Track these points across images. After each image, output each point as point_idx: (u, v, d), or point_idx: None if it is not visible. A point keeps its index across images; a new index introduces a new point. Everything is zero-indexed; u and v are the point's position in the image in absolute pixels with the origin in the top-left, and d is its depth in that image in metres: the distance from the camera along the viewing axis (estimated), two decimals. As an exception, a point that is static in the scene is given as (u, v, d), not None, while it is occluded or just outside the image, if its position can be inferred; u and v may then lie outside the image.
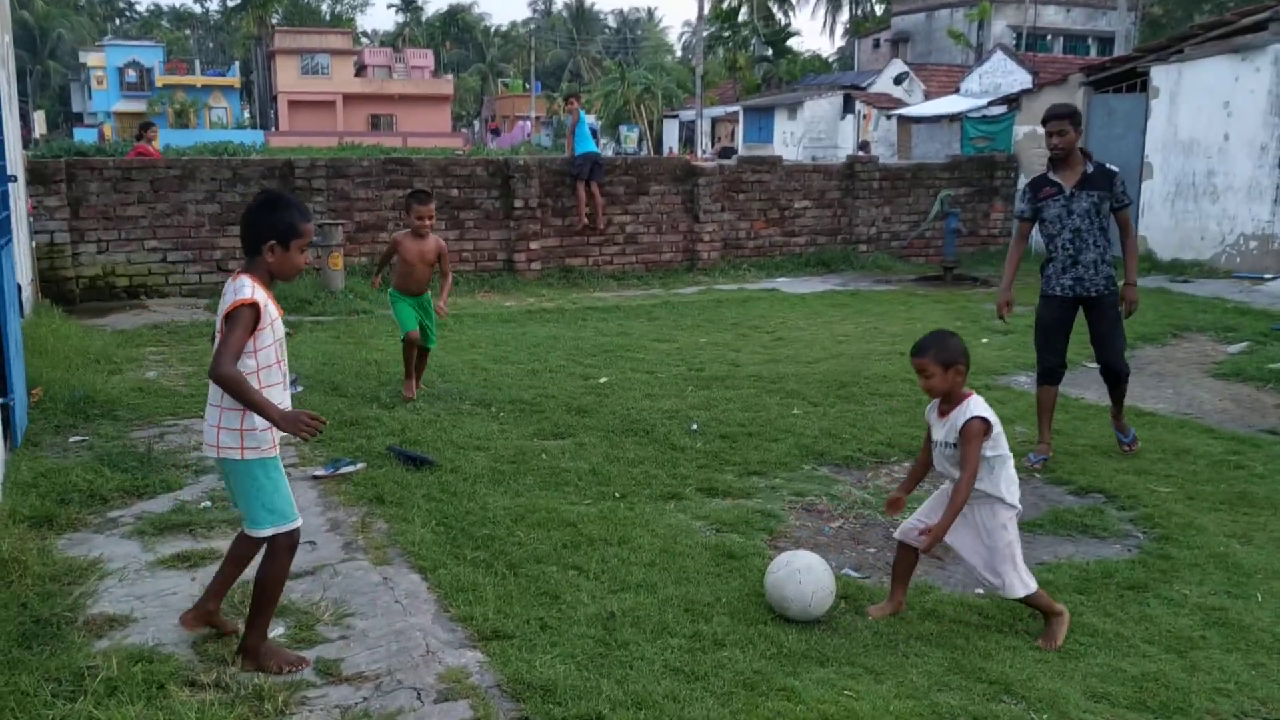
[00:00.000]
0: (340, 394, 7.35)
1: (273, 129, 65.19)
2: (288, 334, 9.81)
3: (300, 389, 7.44)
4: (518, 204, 13.47)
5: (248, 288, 3.47)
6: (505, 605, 4.05)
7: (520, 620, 3.93)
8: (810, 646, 3.81)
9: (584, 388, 7.73)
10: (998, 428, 4.02)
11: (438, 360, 8.59)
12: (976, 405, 4.01)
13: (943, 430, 4.08)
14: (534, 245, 13.63)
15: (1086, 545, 4.99)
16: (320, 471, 5.67)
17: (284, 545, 3.64)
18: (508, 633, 3.84)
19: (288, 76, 66.31)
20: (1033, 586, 3.99)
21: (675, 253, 14.65)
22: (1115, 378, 6.52)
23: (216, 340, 3.47)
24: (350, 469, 5.69)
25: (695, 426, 6.70)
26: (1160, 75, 14.57)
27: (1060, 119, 6.32)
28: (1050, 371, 6.52)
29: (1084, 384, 8.21)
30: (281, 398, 3.57)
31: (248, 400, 3.39)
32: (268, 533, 3.61)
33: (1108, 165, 6.43)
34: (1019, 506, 4.07)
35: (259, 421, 3.48)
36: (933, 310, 11.57)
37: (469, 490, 5.39)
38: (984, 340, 9.76)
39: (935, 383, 4.06)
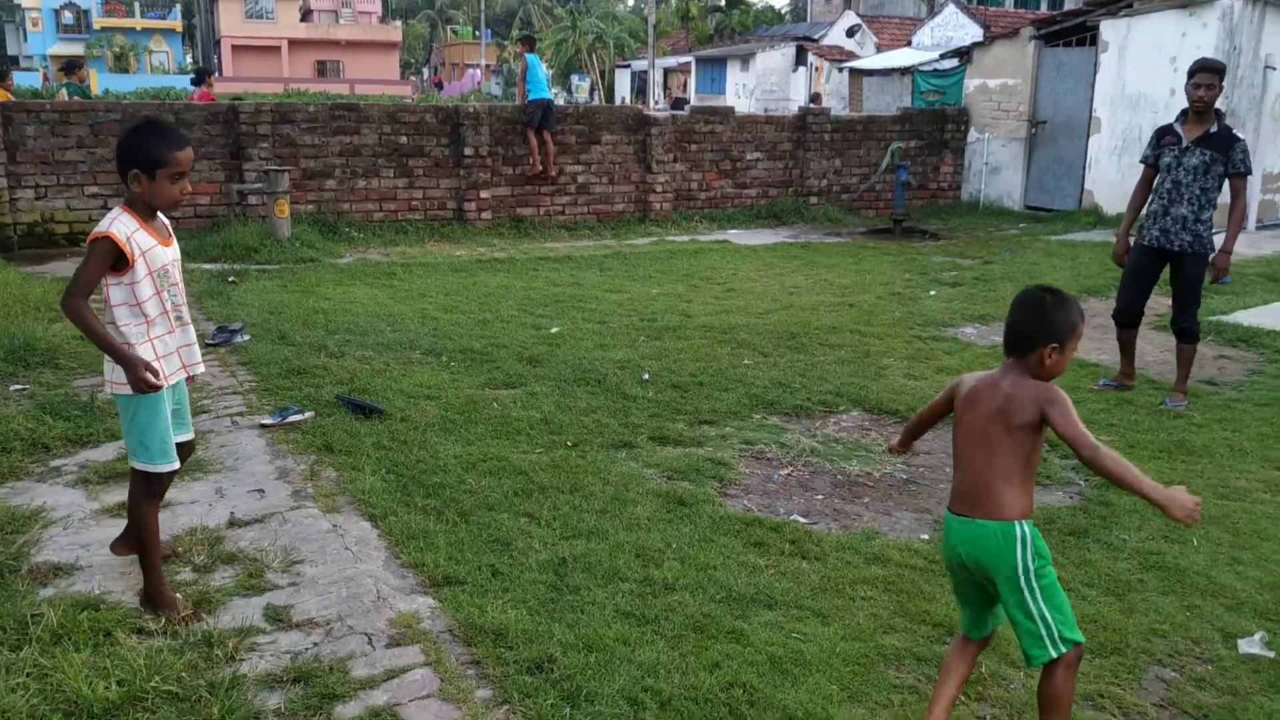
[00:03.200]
0: (287, 342, 7.26)
1: (216, 74, 63.64)
2: (233, 282, 9.65)
3: (247, 338, 7.35)
4: (468, 152, 13.31)
5: (109, 221, 3.46)
6: (456, 552, 4.06)
7: (472, 566, 3.94)
8: (759, 590, 3.86)
9: (536, 337, 7.71)
10: None
11: (387, 309, 8.52)
12: None
13: None
14: (484, 194, 13.49)
15: (1029, 492, 5.09)
16: (268, 420, 5.62)
17: (143, 483, 3.62)
18: (459, 579, 3.85)
19: (231, 20, 64.61)
20: None
21: (627, 203, 14.58)
22: (1178, 335, 6.64)
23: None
24: (298, 417, 5.64)
25: (647, 376, 6.71)
26: (1109, 29, 14.67)
27: (1211, 72, 6.37)
28: (1119, 313, 6.82)
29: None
30: (167, 330, 3.62)
31: (92, 336, 3.44)
32: (139, 467, 3.61)
33: (1235, 131, 6.49)
34: None
35: None
36: (882, 263, 11.65)
37: (419, 439, 5.37)
38: (932, 293, 9.86)
39: None
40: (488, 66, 65.77)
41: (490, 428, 5.62)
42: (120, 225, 3.45)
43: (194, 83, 16.89)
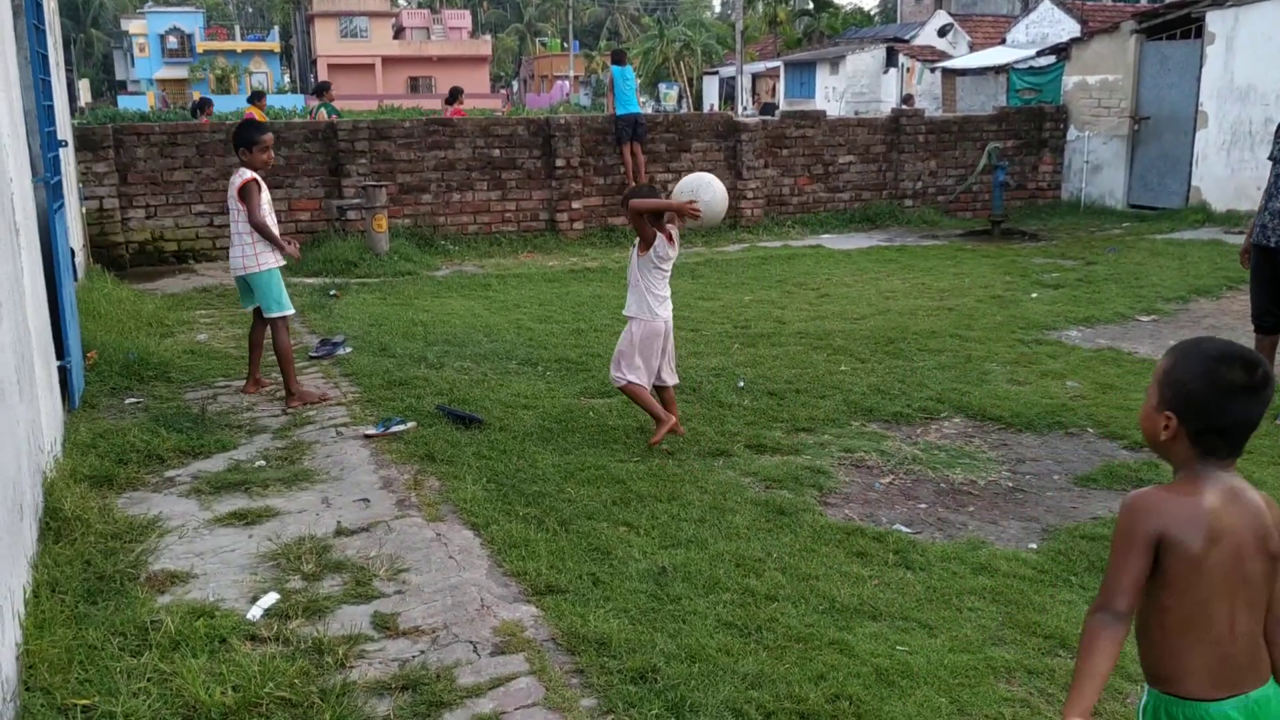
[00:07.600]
0: (388, 354, 7.40)
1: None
2: (334, 295, 9.87)
3: (349, 350, 7.51)
4: (559, 163, 13.43)
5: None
6: (557, 561, 4.08)
7: (573, 575, 3.96)
8: (863, 601, 3.80)
9: (629, 346, 7.71)
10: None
11: (483, 320, 8.63)
12: None
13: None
14: (576, 205, 13.60)
15: (1142, 500, 4.92)
16: (372, 430, 5.73)
17: (282, 324, 6.31)
18: (561, 588, 3.86)
19: (327, 40, 66.38)
20: (623, 381, 5.41)
21: (718, 210, 14.52)
22: None
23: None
24: (401, 428, 5.74)
25: (742, 384, 6.67)
26: (1216, 20, 14.18)
27: None
28: (1254, 318, 6.31)
29: (1136, 338, 8.09)
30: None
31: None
32: (274, 315, 6.29)
33: None
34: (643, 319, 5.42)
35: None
36: (980, 265, 11.42)
37: (518, 448, 5.42)
38: (1033, 295, 9.62)
39: None
40: (576, 78, 66.38)
41: (587, 436, 5.65)
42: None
43: (447, 102, 18.05)
